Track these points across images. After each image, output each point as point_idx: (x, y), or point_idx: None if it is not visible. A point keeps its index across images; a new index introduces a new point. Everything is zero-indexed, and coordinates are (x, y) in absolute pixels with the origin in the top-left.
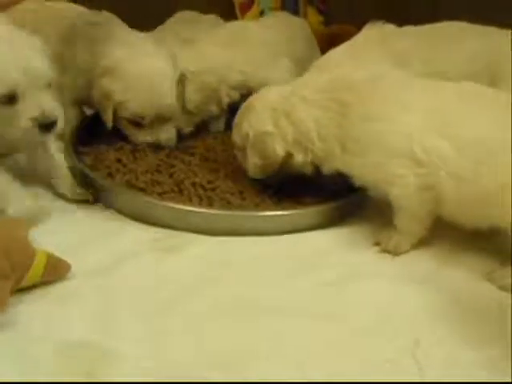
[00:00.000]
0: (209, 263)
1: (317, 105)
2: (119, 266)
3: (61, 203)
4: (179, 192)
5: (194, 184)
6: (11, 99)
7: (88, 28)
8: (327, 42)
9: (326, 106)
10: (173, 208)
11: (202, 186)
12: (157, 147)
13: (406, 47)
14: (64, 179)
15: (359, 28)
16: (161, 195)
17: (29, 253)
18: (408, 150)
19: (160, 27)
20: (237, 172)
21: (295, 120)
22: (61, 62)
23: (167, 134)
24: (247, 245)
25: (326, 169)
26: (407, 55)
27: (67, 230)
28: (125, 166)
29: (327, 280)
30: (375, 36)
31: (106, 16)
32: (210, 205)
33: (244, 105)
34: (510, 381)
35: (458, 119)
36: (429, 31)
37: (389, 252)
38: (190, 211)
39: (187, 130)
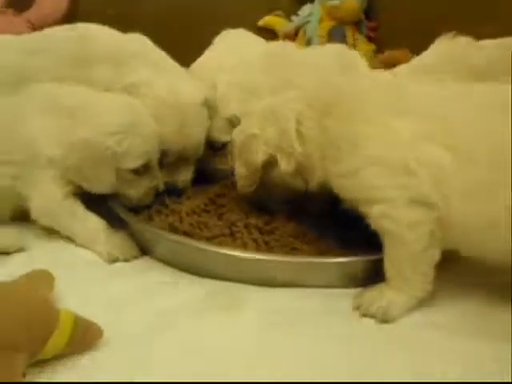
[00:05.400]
0: (275, 326)
1: (300, 102)
2: (164, 331)
3: None
4: (231, 236)
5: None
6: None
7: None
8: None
9: (309, 104)
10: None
11: (259, 229)
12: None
13: (485, 64)
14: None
15: (414, 52)
16: (210, 240)
17: (50, 317)
18: (394, 158)
19: None
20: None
21: (279, 120)
22: None
23: (185, 176)
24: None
25: (313, 182)
26: (488, 73)
27: (103, 286)
28: (167, 206)
29: None
30: (448, 50)
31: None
32: (269, 250)
33: None
34: (509, 381)
35: (466, 128)
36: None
37: (373, 317)
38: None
39: None
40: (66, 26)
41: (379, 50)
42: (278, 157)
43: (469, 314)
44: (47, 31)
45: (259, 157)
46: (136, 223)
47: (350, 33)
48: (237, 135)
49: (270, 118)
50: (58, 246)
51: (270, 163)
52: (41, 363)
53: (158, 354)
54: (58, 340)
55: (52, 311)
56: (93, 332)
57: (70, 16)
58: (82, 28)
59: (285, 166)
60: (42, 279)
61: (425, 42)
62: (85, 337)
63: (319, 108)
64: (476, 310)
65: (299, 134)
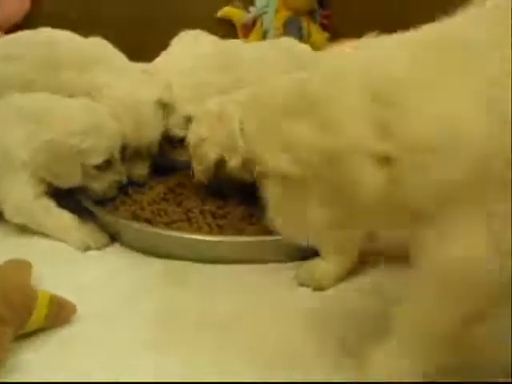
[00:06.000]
0: (222, 294)
1: (242, 101)
2: (130, 305)
3: None
4: (187, 221)
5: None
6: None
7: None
8: None
9: (248, 103)
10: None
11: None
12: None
13: None
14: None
15: None
16: (168, 225)
17: (30, 296)
18: None
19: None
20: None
21: (225, 121)
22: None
23: (142, 170)
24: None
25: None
26: None
27: (76, 271)
28: (130, 196)
29: None
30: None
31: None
32: (221, 233)
33: None
34: (509, 381)
35: None
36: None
37: (309, 286)
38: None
39: None
40: (31, 32)
41: (333, 37)
42: (226, 155)
43: (388, 281)
44: (17, 36)
45: (210, 157)
46: (103, 215)
47: (305, 23)
48: (190, 137)
49: (217, 120)
50: (33, 240)
51: (221, 161)
52: (19, 339)
53: (127, 324)
54: (37, 315)
55: (31, 288)
56: (67, 308)
57: (32, 18)
58: (47, 33)
59: (233, 162)
60: (21, 266)
61: (377, 31)
62: (60, 312)
63: (257, 106)
64: (391, 280)
65: (243, 132)
